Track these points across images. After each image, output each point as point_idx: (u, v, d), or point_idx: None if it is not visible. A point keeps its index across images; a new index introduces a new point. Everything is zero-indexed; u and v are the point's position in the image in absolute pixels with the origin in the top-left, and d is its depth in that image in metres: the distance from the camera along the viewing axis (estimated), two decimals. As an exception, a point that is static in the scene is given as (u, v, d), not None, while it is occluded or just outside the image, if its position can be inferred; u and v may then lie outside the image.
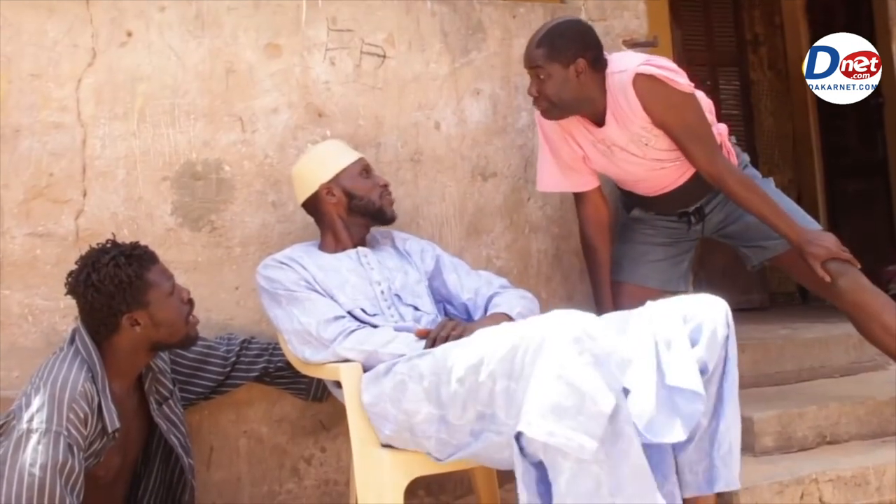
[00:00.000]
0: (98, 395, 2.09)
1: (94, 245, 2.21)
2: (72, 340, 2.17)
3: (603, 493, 1.77)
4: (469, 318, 2.45)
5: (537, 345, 1.84)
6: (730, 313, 2.08)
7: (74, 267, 2.19)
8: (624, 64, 2.58)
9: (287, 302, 2.33)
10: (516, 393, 1.85)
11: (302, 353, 2.29)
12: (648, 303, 2.16)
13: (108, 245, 2.20)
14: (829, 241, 2.58)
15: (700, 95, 2.66)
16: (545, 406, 1.77)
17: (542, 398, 1.77)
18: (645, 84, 2.52)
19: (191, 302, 2.27)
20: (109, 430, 2.10)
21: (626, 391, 1.90)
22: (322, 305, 2.30)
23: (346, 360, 2.22)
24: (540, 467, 1.85)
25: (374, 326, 2.30)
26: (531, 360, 1.83)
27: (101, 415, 2.09)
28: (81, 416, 2.03)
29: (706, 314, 2.05)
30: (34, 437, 1.98)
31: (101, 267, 2.13)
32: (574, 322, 1.86)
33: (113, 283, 2.13)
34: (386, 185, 2.52)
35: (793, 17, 5.47)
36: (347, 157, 2.51)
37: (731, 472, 2.05)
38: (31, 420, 2.00)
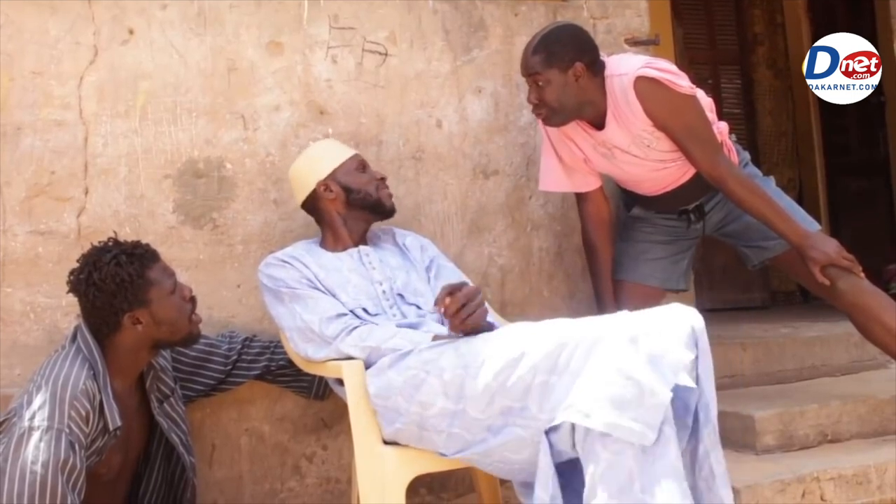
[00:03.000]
0: (99, 393, 2.09)
1: (95, 243, 2.21)
2: (73, 338, 2.17)
3: (635, 489, 1.78)
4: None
5: (590, 343, 1.87)
6: (699, 332, 1.91)
7: (76, 265, 2.19)
8: (624, 67, 2.57)
9: (290, 299, 2.33)
10: (555, 387, 1.87)
11: (304, 350, 2.29)
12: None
13: (110, 243, 2.19)
14: (830, 247, 2.57)
15: (700, 94, 2.65)
16: (605, 398, 1.80)
17: (602, 391, 1.80)
18: (646, 87, 2.52)
19: (193, 300, 2.27)
20: (111, 428, 2.10)
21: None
22: (324, 303, 2.30)
23: (349, 358, 2.22)
24: (559, 469, 1.86)
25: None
26: (581, 356, 1.86)
27: (103, 413, 2.09)
28: (83, 413, 2.03)
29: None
30: (36, 435, 1.97)
31: (103, 266, 2.13)
32: (630, 323, 1.89)
33: (114, 282, 2.12)
34: (383, 179, 2.53)
35: (794, 15, 5.46)
36: (343, 153, 2.52)
37: (716, 497, 1.90)
38: (32, 418, 1.99)
